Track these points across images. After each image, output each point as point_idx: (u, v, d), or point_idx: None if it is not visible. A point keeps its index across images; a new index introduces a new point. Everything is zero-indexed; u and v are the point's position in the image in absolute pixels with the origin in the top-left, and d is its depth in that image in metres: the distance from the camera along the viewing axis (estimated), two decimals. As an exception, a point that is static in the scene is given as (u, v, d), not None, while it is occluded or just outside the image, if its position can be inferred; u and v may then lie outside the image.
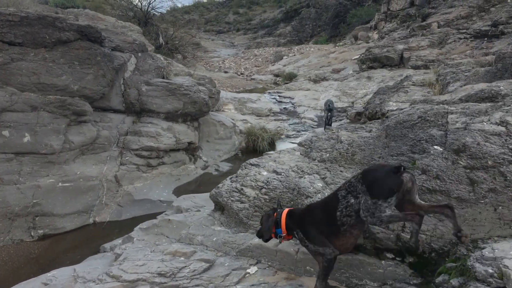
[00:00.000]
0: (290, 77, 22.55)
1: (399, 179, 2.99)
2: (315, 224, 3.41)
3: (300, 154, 5.79)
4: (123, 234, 7.68)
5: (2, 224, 6.84)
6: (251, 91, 20.53)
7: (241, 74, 28.10)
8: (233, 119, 13.30)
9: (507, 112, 4.02)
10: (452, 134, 3.86)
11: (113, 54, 8.52)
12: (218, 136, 11.86)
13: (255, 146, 12.35)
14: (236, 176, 5.38)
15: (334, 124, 14.46)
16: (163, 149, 9.09)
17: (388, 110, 7.52)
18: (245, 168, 5.55)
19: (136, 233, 6.21)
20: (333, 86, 19.44)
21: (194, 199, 7.57)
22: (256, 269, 4.02)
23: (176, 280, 3.66)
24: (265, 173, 5.12)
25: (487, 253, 2.94)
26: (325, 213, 3.35)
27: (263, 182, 4.93)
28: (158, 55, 11.94)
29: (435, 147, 3.85)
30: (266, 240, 3.77)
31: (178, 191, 9.22)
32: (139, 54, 9.51)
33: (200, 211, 6.38)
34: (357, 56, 23.78)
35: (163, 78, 9.91)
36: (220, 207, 5.29)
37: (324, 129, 13.47)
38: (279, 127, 14.64)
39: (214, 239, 4.64)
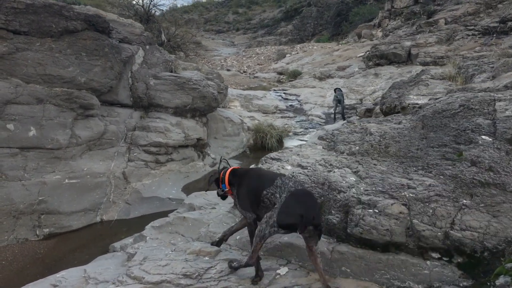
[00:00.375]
0: (295, 75, 22.22)
1: (303, 227, 3.14)
2: (247, 189, 3.73)
3: (323, 148, 5.50)
4: (132, 233, 7.37)
5: (7, 222, 6.51)
6: (255, 88, 20.20)
7: (244, 72, 27.76)
8: (240, 116, 12.99)
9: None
10: (502, 122, 3.55)
11: (121, 46, 8.19)
12: (226, 133, 11.55)
13: (263, 143, 12.05)
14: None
15: (340, 122, 14.16)
16: (172, 145, 8.76)
17: (409, 104, 7.21)
18: (266, 162, 5.24)
19: (149, 232, 5.89)
20: (339, 84, 19.10)
21: (207, 197, 7.24)
22: (287, 269, 3.70)
23: (203, 282, 3.34)
24: (289, 167, 4.80)
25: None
26: (258, 185, 3.62)
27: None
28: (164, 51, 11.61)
29: (483, 137, 3.55)
30: (221, 197, 4.24)
31: (187, 189, 8.91)
32: (147, 47, 9.18)
33: (215, 208, 6.06)
34: (362, 54, 23.48)
35: (171, 72, 9.58)
36: (240, 204, 4.97)
37: (334, 121, 14.11)
38: (286, 124, 14.33)
39: (237, 238, 4.32)
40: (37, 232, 6.88)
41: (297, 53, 30.88)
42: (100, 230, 7.58)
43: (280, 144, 12.22)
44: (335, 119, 14.24)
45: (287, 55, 30.53)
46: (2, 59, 6.26)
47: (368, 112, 13.91)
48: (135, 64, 8.66)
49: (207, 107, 9.77)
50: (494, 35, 17.95)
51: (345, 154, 4.67)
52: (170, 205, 8.28)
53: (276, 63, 29.33)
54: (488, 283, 3.04)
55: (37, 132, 6.68)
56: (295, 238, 3.93)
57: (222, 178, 3.98)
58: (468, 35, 18.93)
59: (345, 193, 3.90)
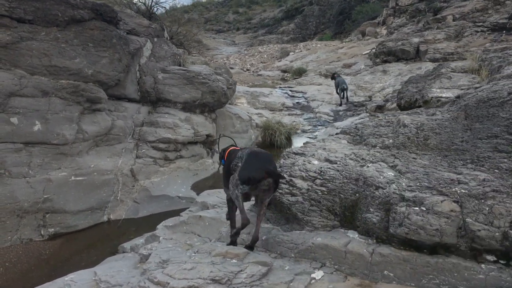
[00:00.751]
0: (300, 72, 21.89)
1: (262, 179, 3.51)
2: (226, 167, 4.18)
3: (348, 142, 5.17)
4: (141, 233, 7.03)
5: (10, 221, 6.16)
6: (260, 86, 19.85)
7: (247, 70, 27.44)
8: (248, 113, 12.65)
9: None
10: None
11: (129, 38, 7.83)
12: (234, 130, 11.20)
13: (272, 141, 11.73)
14: (280, 166, 4.71)
15: (350, 119, 13.84)
16: (181, 141, 8.42)
17: (432, 97, 6.87)
18: (288, 157, 4.89)
19: (162, 232, 5.56)
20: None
21: (220, 195, 6.91)
22: (322, 273, 3.36)
23: (233, 287, 2.99)
24: (315, 162, 4.45)
25: None
26: (230, 161, 4.06)
27: (315, 172, 4.26)
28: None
29: (541, 127, 3.20)
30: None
31: (196, 187, 8.58)
32: (155, 39, 8.82)
33: (231, 207, 5.73)
34: (368, 51, 23.16)
35: (180, 66, 9.23)
36: (263, 202, 4.62)
37: (341, 104, 15.73)
38: (294, 121, 13.99)
39: (263, 238, 3.97)
40: (42, 232, 6.54)
41: (301, 51, 30.55)
42: (108, 230, 7.24)
43: (288, 142, 11.89)
44: (341, 103, 15.83)
45: (291, 53, 30.20)
46: (5, 49, 5.89)
47: (379, 109, 13.58)
48: (143, 57, 8.30)
49: (217, 102, 9.42)
50: (504, 31, 17.64)
51: (377, 147, 4.32)
52: (179, 204, 7.95)
53: (279, 61, 29.01)
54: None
55: (42, 126, 6.33)
56: (330, 239, 3.59)
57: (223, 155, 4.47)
58: (477, 32, 18.61)
59: (384, 189, 3.55)
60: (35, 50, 6.16)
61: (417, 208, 3.21)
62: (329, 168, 4.22)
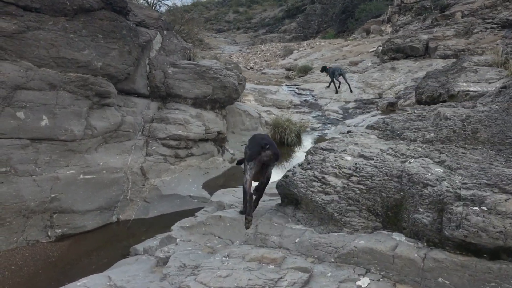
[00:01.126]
0: (305, 70, 21.53)
1: (258, 153, 4.03)
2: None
3: (378, 137, 4.83)
4: (152, 234, 6.71)
5: (16, 222, 5.81)
6: (265, 84, 19.51)
7: (251, 68, 27.12)
8: (257, 110, 12.32)
9: None
10: None
11: (138, 30, 7.47)
12: (244, 127, 10.87)
13: (282, 139, 11.39)
14: (308, 163, 4.39)
15: (360, 117, 13.53)
16: (192, 138, 8.07)
17: (459, 91, 6.54)
18: (316, 153, 4.56)
19: (178, 233, 5.21)
20: (353, 78, 18.44)
21: (236, 194, 6.58)
22: (368, 281, 3.02)
23: (275, 297, 2.66)
24: (349, 157, 4.12)
25: None
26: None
27: (350, 168, 3.93)
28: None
29: None
30: None
31: (208, 186, 8.26)
32: (165, 32, 8.47)
33: (252, 206, 5.39)
34: (374, 49, 22.83)
35: (190, 60, 8.89)
36: (291, 200, 4.28)
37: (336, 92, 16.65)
38: (303, 119, 13.67)
39: (296, 241, 3.63)
40: (49, 233, 6.20)
41: (305, 49, 30.22)
42: (117, 230, 6.91)
43: (298, 140, 11.58)
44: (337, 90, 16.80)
45: (294, 51, 29.85)
46: (11, 39, 5.53)
47: (391, 106, 13.25)
48: (152, 50, 7.95)
49: (228, 98, 9.08)
50: (515, 28, 17.38)
51: (418, 142, 3.99)
52: (191, 204, 7.62)
53: (283, 59, 28.67)
54: None
55: (49, 121, 5.97)
56: (374, 242, 3.25)
57: None
58: (487, 28, 18.33)
59: (435, 187, 3.21)
60: (42, 41, 5.80)
61: (476, 208, 2.88)
62: (366, 164, 3.88)
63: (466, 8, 20.32)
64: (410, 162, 3.64)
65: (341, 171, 3.95)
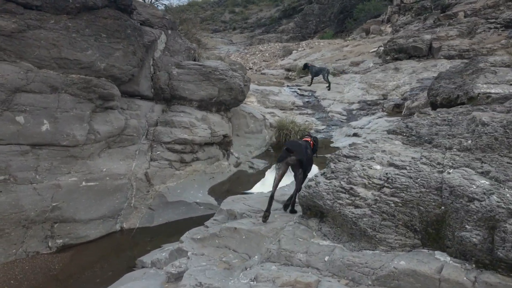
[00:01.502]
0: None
1: (285, 157, 4.56)
2: None
3: (403, 143, 4.53)
4: (157, 243, 6.40)
5: (15, 233, 5.48)
6: (266, 85, 19.21)
7: (250, 69, 26.78)
8: (261, 112, 12.01)
9: None
10: None
11: (143, 29, 7.14)
12: (248, 130, 10.56)
13: (286, 141, 11.08)
14: (332, 172, 4.08)
15: (366, 119, 13.26)
16: (198, 142, 7.75)
17: (479, 93, 6.25)
18: (339, 161, 4.25)
19: (189, 245, 4.91)
20: (355, 79, 18.20)
21: (246, 201, 6.27)
22: (413, 306, 2.72)
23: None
24: (378, 166, 3.81)
25: None
26: None
27: (380, 179, 3.63)
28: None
29: None
30: None
31: (213, 191, 7.94)
32: (169, 32, 8.13)
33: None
34: (375, 49, 22.60)
35: (194, 60, 8.56)
36: (315, 213, 3.98)
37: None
38: (306, 121, 13.37)
39: (326, 259, 3.32)
40: (50, 244, 5.88)
41: (304, 49, 29.94)
42: (121, 240, 6.59)
43: (303, 142, 11.26)
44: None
45: (294, 51, 29.57)
46: (10, 38, 5.19)
47: (397, 108, 13.00)
48: (157, 50, 7.62)
49: (233, 100, 8.76)
50: (519, 28, 17.20)
51: (454, 150, 3.68)
52: (197, 211, 7.31)
53: (282, 59, 28.38)
54: None
55: (50, 126, 5.63)
56: (416, 263, 2.94)
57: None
58: (490, 28, 18.13)
59: (482, 201, 2.91)
60: (43, 40, 5.46)
61: (535, 227, 2.58)
62: (398, 174, 3.58)
63: (469, 8, 20.11)
64: (449, 173, 3.34)
65: (370, 182, 3.65)
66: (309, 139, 5.36)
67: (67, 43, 5.67)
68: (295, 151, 4.55)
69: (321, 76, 17.55)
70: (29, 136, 5.45)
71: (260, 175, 9.16)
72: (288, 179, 7.08)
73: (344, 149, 4.50)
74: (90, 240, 6.30)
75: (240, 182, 8.67)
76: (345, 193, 3.68)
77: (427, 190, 3.29)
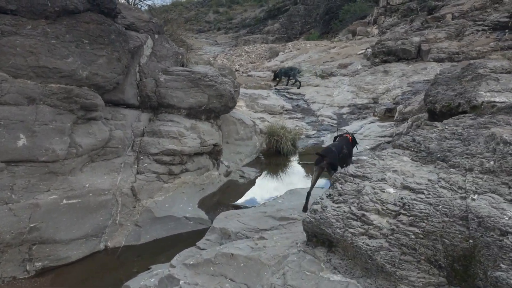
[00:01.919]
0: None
1: (319, 162, 5.53)
2: None
3: (413, 159, 4.21)
4: (144, 264, 5.97)
5: (-12, 258, 5.00)
6: (254, 87, 18.82)
7: (236, 70, 26.31)
8: (250, 117, 11.64)
9: None
10: None
11: (128, 34, 6.69)
12: (238, 137, 10.17)
13: (277, 148, 10.76)
14: (340, 194, 3.72)
15: (357, 123, 13.02)
16: (188, 152, 7.33)
17: (483, 102, 5.97)
18: (346, 181, 3.89)
19: (181, 272, 4.50)
20: (344, 82, 17.95)
21: (241, 218, 5.91)
22: None
23: None
24: (391, 190, 3.47)
25: None
26: None
27: (395, 204, 3.28)
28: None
29: None
30: None
31: (204, 204, 7.55)
32: (156, 36, 7.68)
33: (266, 239, 4.70)
34: (362, 51, 22.41)
35: (183, 66, 8.13)
36: (322, 241, 3.61)
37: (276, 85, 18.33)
38: (297, 126, 13.05)
39: (340, 299, 2.96)
40: (28, 268, 5.41)
41: (290, 51, 29.68)
42: (105, 259, 6.13)
43: (294, 148, 10.93)
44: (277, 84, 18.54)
45: (280, 53, 29.27)
46: (-18, 46, 4.74)
47: (389, 112, 12.75)
48: (143, 56, 7.16)
49: (223, 107, 8.37)
50: (506, 30, 17.13)
51: (475, 171, 3.35)
52: (187, 226, 6.91)
53: (269, 61, 28.03)
54: None
55: (28, 140, 5.16)
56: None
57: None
58: (478, 30, 18.10)
59: (517, 236, 2.58)
60: (19, 48, 4.98)
61: None
62: (415, 199, 3.24)
63: (456, 10, 20.06)
64: (473, 199, 3.01)
65: (384, 208, 3.30)
66: (348, 135, 6.50)
67: (46, 50, 5.19)
68: (326, 156, 5.50)
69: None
70: (3, 152, 4.97)
71: (251, 185, 8.80)
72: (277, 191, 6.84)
73: (350, 168, 4.14)
74: (72, 261, 5.84)
75: (231, 193, 8.29)
76: (356, 220, 3.33)
77: (451, 220, 2.95)
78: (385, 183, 3.59)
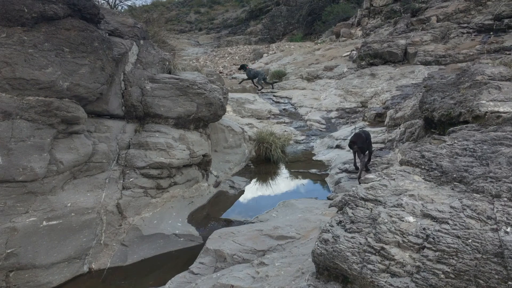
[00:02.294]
0: (279, 76, 20.63)
1: (352, 145, 7.46)
2: None
3: (425, 179, 3.91)
4: (132, 286, 5.61)
5: (-40, 291, 4.53)
6: (239, 91, 18.49)
7: (220, 73, 25.96)
8: (239, 124, 11.27)
9: None
10: None
11: (112, 40, 6.24)
12: (227, 145, 9.81)
13: (267, 155, 10.42)
14: (352, 222, 3.40)
15: (347, 129, 12.77)
16: (177, 165, 6.93)
17: (486, 112, 5.74)
18: (357, 205, 3.57)
19: (175, 304, 4.11)
20: (331, 85, 17.74)
21: (236, 238, 5.56)
22: None
23: None
24: (411, 218, 3.16)
25: None
26: None
27: (417, 236, 2.97)
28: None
29: None
30: None
31: (193, 218, 7.18)
32: (141, 42, 7.24)
33: (267, 264, 4.34)
34: (347, 53, 22.27)
35: (170, 73, 7.71)
36: (335, 276, 3.27)
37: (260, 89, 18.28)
38: (285, 131, 12.74)
39: None
40: (4, 297, 4.94)
41: (275, 52, 29.43)
42: (89, 283, 5.70)
43: (284, 155, 10.61)
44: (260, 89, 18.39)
45: (264, 54, 29.01)
46: (-51, 56, 4.27)
47: (379, 117, 12.51)
48: (128, 63, 6.71)
49: (213, 116, 7.98)
50: (491, 33, 17.16)
51: (504, 198, 3.06)
52: (177, 244, 6.52)
53: (253, 63, 27.73)
54: None
55: (3, 159, 4.70)
56: None
57: None
58: (463, 33, 18.11)
59: None
60: (-8, 58, 4.55)
61: None
62: (439, 231, 2.92)
63: (441, 12, 20.04)
64: (507, 232, 2.71)
65: (406, 240, 2.98)
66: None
67: (22, 60, 4.74)
68: (357, 141, 7.29)
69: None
70: (-24, 173, 4.51)
71: (242, 196, 8.45)
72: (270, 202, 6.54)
73: (359, 189, 3.82)
74: (54, 286, 5.41)
75: (221, 205, 7.92)
76: (375, 254, 3.00)
77: (484, 257, 2.64)
78: (403, 210, 3.27)
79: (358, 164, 7.77)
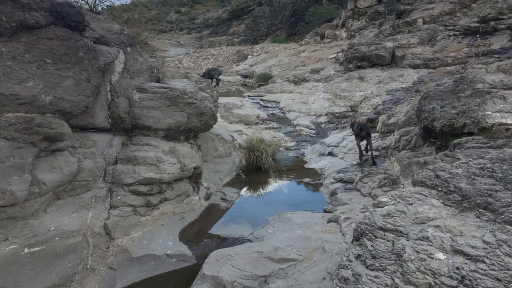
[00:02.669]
0: (265, 78, 20.32)
1: (360, 131, 8.87)
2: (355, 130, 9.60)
3: (444, 204, 3.63)
4: (122, 314, 5.20)
5: None
6: (225, 94, 18.10)
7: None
8: (229, 131, 10.90)
9: None
10: None
11: (98, 49, 5.81)
12: (217, 154, 9.43)
13: (258, 163, 10.08)
14: (373, 257, 3.09)
15: (338, 135, 12.51)
16: (167, 180, 6.53)
17: (493, 124, 5.51)
18: (376, 237, 3.27)
19: None
20: (318, 88, 17.51)
21: (235, 262, 5.20)
22: None
23: None
24: (441, 255, 2.86)
25: None
26: (355, 129, 9.43)
27: (451, 277, 2.68)
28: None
29: None
30: None
31: (185, 236, 6.79)
32: (128, 49, 6.81)
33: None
34: (333, 55, 22.11)
35: (158, 81, 7.30)
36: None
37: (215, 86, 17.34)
38: (274, 137, 12.41)
39: None
40: (-18, 333, 4.48)
41: (259, 54, 29.12)
42: (76, 312, 5.27)
43: (275, 163, 10.27)
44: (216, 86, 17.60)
45: (249, 56, 28.66)
46: None
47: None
48: (114, 73, 6.27)
49: (204, 126, 7.60)
50: (478, 35, 17.13)
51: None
52: (169, 265, 6.11)
53: (237, 65, 27.38)
54: None
55: (-21, 183, 4.26)
56: None
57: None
58: (449, 36, 18.08)
59: None
60: (-34, 72, 4.09)
61: None
62: (475, 271, 2.63)
63: (427, 15, 20.00)
64: (555, 276, 2.42)
65: (438, 281, 2.67)
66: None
67: (1, 73, 4.28)
68: (364, 129, 8.73)
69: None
70: None
71: (234, 208, 8.07)
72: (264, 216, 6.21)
73: (375, 216, 3.50)
74: (37, 318, 4.97)
75: (214, 220, 7.54)
76: (403, 296, 2.68)
77: (533, 305, 2.35)
78: (430, 245, 2.96)
79: (364, 152, 9.31)
